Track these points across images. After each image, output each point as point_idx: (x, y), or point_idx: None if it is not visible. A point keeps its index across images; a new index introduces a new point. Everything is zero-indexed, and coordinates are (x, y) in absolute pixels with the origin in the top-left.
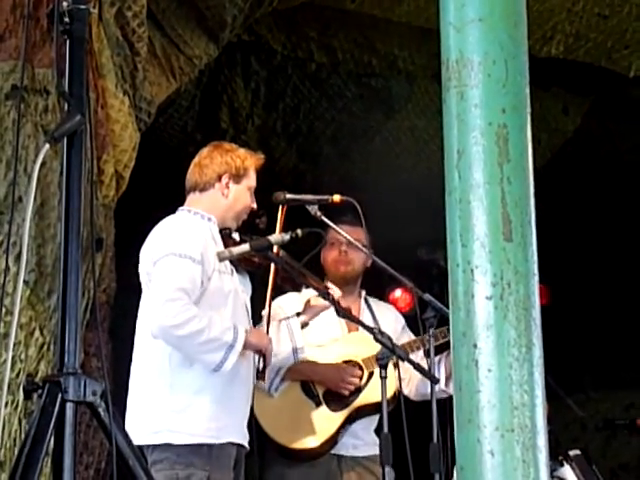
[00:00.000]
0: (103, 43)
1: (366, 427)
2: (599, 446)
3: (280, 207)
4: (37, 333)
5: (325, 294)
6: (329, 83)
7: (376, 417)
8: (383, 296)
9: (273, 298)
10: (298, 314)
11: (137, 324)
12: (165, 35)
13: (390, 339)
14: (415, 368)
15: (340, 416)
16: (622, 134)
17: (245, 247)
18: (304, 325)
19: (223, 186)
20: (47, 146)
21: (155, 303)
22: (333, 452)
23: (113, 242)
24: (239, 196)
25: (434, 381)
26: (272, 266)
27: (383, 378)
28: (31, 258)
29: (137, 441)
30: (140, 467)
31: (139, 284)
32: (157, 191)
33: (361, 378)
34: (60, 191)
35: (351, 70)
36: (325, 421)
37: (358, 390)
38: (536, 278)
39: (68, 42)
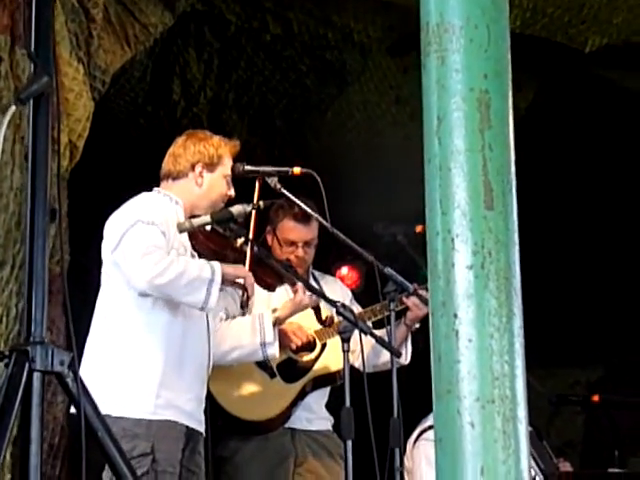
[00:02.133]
0: (58, 9)
1: (318, 401)
2: (543, 424)
3: (256, 181)
4: None
5: (288, 267)
6: (283, 55)
7: (327, 390)
8: (329, 273)
9: None
10: (274, 310)
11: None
12: (120, 2)
13: (353, 312)
14: (377, 342)
15: (294, 388)
16: (576, 112)
17: (206, 218)
18: (277, 323)
19: (197, 175)
20: (13, 107)
21: (132, 261)
22: (287, 426)
23: (67, 213)
24: (214, 184)
25: (396, 355)
26: (247, 255)
27: (346, 352)
28: None
29: None
30: (109, 438)
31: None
32: (106, 162)
33: (313, 349)
34: (13, 159)
35: (306, 42)
36: (279, 393)
37: (312, 362)
38: (517, 247)
39: (35, 2)
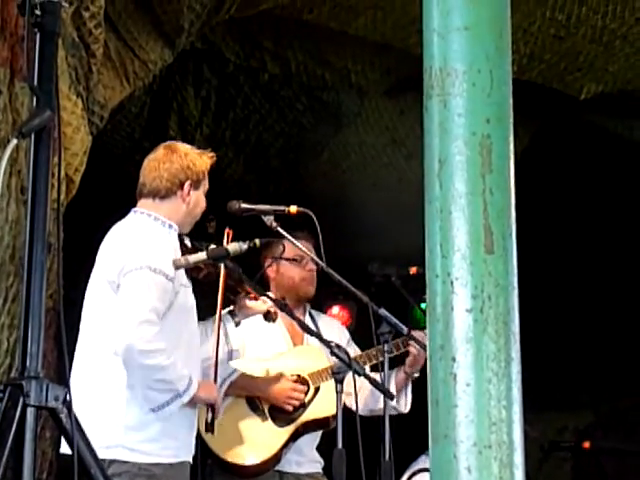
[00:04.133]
0: (58, 43)
1: (309, 444)
2: (531, 469)
3: (225, 234)
4: None
5: (283, 305)
6: (280, 95)
7: (319, 433)
8: (319, 312)
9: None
10: (230, 312)
11: (85, 333)
12: (120, 38)
13: (347, 353)
14: (371, 384)
15: (286, 431)
16: (570, 158)
17: (202, 255)
18: (237, 324)
19: (185, 193)
20: (15, 141)
21: (127, 322)
22: (276, 468)
23: (61, 247)
24: (198, 201)
25: (389, 397)
26: (221, 277)
27: (339, 393)
28: None
29: None
30: (102, 476)
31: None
32: (100, 197)
33: (307, 393)
34: (9, 191)
35: (303, 82)
36: (271, 436)
37: (304, 405)
38: (516, 291)
39: (39, 35)
